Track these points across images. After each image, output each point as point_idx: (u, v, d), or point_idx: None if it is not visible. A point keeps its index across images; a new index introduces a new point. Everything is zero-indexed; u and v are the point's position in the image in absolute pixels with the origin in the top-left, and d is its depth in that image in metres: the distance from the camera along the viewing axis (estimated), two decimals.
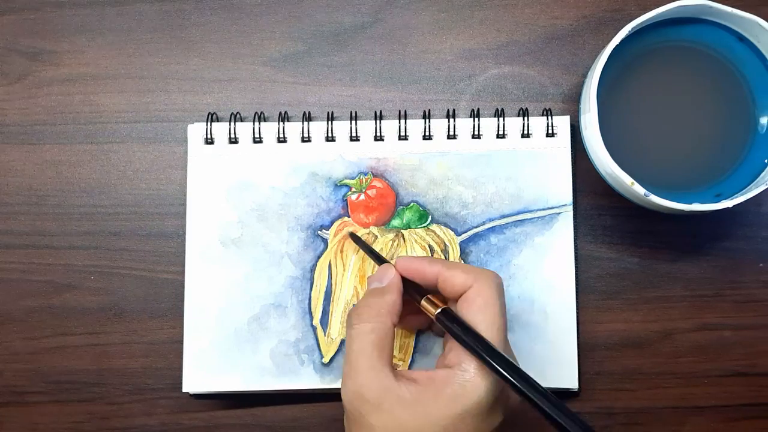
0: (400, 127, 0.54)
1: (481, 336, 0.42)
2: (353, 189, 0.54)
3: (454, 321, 0.43)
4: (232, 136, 0.54)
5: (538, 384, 0.40)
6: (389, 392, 0.42)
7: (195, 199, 0.53)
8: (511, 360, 0.41)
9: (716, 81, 0.50)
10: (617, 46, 0.47)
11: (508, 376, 0.40)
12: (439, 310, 0.44)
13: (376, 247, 0.53)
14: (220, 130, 0.54)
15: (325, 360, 0.53)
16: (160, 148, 0.55)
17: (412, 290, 0.46)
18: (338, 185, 0.54)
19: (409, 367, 0.52)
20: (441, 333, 0.51)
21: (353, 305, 0.51)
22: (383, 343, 0.43)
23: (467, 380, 0.41)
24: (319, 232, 0.53)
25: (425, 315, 0.45)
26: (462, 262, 0.53)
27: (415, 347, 0.53)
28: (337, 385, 0.52)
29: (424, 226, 0.53)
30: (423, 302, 0.45)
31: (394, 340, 0.45)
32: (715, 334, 0.54)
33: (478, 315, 0.43)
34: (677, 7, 0.47)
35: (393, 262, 0.47)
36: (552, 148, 0.53)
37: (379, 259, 0.49)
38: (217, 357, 0.52)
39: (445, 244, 0.53)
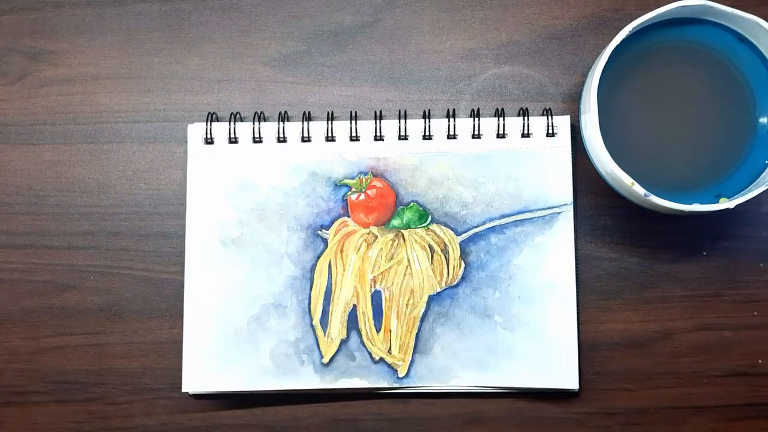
0: (400, 127, 0.54)
1: None
2: (353, 189, 0.54)
3: None
4: (232, 136, 0.54)
5: None
6: None
7: (195, 199, 0.53)
8: None
9: (716, 81, 0.50)
10: (618, 46, 0.47)
11: None
12: None
13: (376, 248, 0.53)
14: (220, 130, 0.54)
15: (325, 360, 0.53)
16: (160, 148, 0.55)
17: None
18: (338, 185, 0.54)
19: (409, 367, 0.52)
20: None
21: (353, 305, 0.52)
22: None
23: None
24: (319, 232, 0.53)
25: None
26: (462, 262, 0.53)
27: (414, 347, 0.53)
28: (336, 385, 0.52)
29: (424, 226, 0.53)
30: None
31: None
32: (715, 334, 0.54)
33: None
34: (678, 8, 0.47)
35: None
36: (552, 147, 0.53)
37: None
38: (217, 357, 0.52)
39: (445, 244, 0.53)
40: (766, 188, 0.47)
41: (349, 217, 0.54)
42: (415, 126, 0.54)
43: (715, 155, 0.50)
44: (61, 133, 0.55)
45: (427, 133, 0.54)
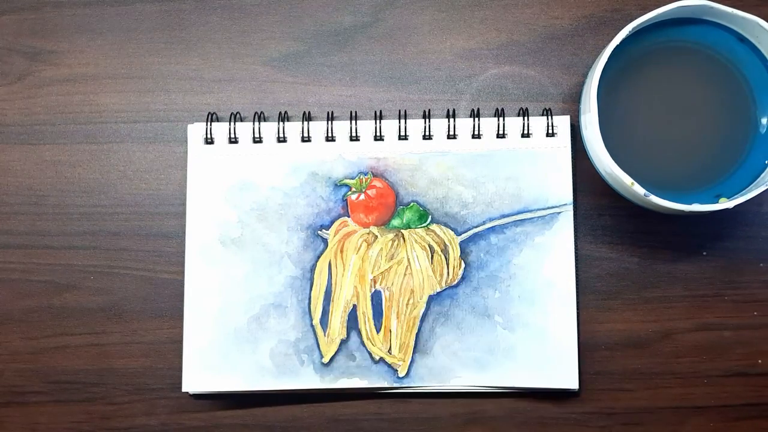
0: (400, 127, 0.54)
1: None
2: (353, 189, 0.54)
3: None
4: (232, 136, 0.54)
5: None
6: None
7: (195, 199, 0.53)
8: None
9: (716, 81, 0.50)
10: (617, 46, 0.47)
11: None
12: None
13: (376, 248, 0.53)
14: (220, 130, 0.54)
15: (325, 360, 0.53)
16: (160, 148, 0.55)
17: None
18: (338, 185, 0.54)
19: (409, 367, 0.52)
20: None
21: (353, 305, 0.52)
22: None
23: None
24: (319, 232, 0.54)
25: None
26: (462, 262, 0.53)
27: (414, 347, 0.53)
28: (336, 385, 0.52)
29: (424, 226, 0.53)
30: None
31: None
32: (715, 334, 0.54)
33: None
34: (678, 8, 0.47)
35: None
36: (552, 148, 0.53)
37: None
38: (217, 357, 0.52)
39: (445, 244, 0.53)
40: (765, 188, 0.47)
41: (349, 217, 0.54)
42: (415, 126, 0.54)
43: (715, 155, 0.50)
44: (61, 133, 0.55)
45: (427, 133, 0.54)
